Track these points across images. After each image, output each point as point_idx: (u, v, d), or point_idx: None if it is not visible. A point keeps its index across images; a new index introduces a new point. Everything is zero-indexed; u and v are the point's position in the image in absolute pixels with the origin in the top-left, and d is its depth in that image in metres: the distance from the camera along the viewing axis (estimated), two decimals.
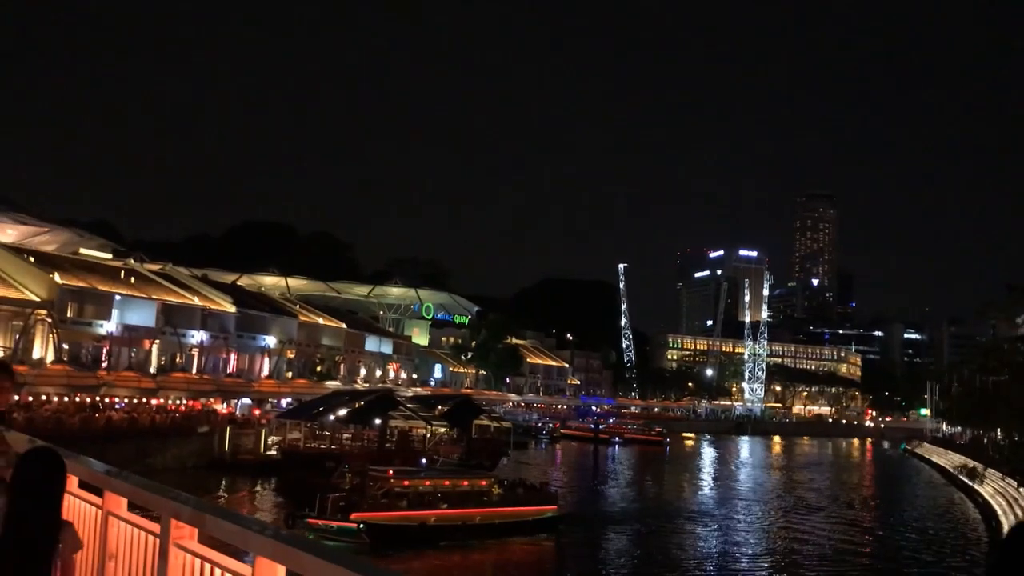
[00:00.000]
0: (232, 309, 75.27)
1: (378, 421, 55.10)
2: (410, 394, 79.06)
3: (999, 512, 49.17)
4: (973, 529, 50.85)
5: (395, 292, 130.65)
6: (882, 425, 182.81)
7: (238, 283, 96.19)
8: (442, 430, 60.27)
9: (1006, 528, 43.01)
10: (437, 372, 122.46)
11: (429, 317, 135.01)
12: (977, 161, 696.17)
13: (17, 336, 57.41)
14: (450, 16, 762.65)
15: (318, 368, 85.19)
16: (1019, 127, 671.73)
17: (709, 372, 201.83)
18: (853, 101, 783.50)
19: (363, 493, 35.87)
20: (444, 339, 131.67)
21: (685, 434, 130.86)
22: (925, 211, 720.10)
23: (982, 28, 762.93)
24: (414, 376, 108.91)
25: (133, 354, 65.49)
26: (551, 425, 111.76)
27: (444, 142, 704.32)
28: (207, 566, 3.93)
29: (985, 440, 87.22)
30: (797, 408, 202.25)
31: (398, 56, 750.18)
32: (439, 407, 64.01)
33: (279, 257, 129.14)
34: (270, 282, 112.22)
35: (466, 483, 39.67)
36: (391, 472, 37.92)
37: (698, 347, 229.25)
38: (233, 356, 74.10)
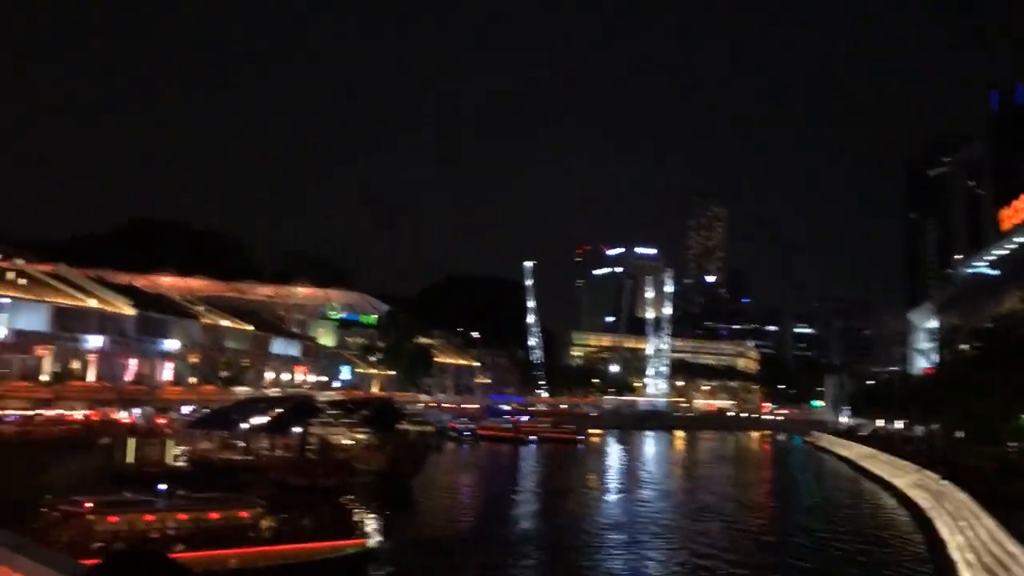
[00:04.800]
0: (131, 312, 70.86)
1: (297, 429, 52.43)
2: (324, 398, 76.17)
3: (924, 505, 50.07)
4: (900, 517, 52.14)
5: (302, 292, 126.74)
6: (780, 418, 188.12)
7: (134, 284, 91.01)
8: (363, 436, 57.92)
9: (937, 520, 43.72)
10: (345, 374, 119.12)
11: (336, 317, 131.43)
12: (855, 159, 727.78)
13: None
14: None
15: (223, 373, 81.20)
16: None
17: (614, 368, 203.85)
18: (743, 102, 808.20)
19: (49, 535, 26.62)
20: (350, 339, 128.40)
21: (592, 430, 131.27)
22: (808, 209, 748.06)
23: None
24: (323, 379, 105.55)
25: (24, 362, 60.69)
26: (472, 426, 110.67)
27: (336, 133, 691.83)
28: None
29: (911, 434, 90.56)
30: (698, 402, 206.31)
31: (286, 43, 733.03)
32: (359, 411, 61.56)
33: (174, 257, 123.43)
34: (168, 283, 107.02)
35: (216, 515, 30.61)
36: (89, 504, 28.73)
37: (602, 343, 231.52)
38: (133, 362, 69.74)
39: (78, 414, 56.15)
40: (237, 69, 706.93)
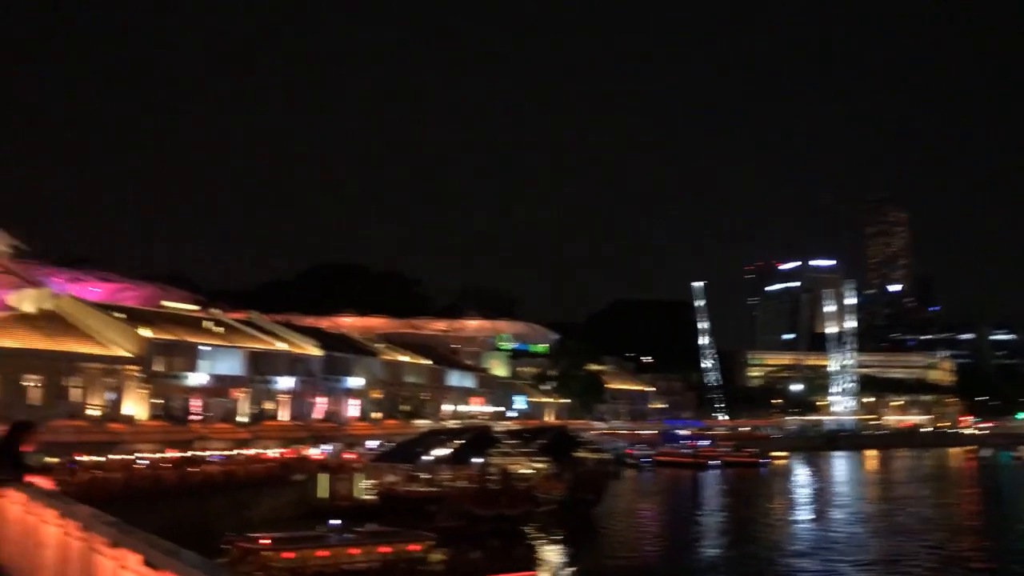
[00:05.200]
0: (318, 353, 74.51)
1: (478, 460, 53.15)
2: (501, 428, 77.10)
3: None
4: None
5: (472, 325, 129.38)
6: (983, 432, 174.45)
7: (319, 326, 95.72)
8: (541, 465, 58.02)
9: None
10: (519, 403, 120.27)
11: (506, 348, 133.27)
12: None
13: (111, 394, 57.13)
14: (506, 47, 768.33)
15: (404, 407, 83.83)
16: None
17: (796, 387, 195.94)
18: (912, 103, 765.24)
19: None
20: (522, 369, 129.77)
21: (776, 453, 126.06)
22: (998, 209, 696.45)
23: None
24: (498, 409, 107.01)
25: (224, 405, 64.90)
26: (650, 453, 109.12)
27: (494, 171, 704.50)
28: None
29: None
30: (889, 419, 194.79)
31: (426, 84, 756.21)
32: (536, 440, 61.82)
33: (353, 297, 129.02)
34: (349, 323, 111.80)
35: (388, 549, 30.99)
36: (267, 540, 29.77)
37: (781, 362, 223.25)
38: (322, 400, 73.22)
39: (274, 452, 59.25)
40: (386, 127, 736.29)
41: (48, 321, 59.53)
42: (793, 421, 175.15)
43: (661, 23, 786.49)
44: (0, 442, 8.80)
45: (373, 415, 79.63)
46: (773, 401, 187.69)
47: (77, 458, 44.98)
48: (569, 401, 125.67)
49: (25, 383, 53.48)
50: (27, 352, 54.02)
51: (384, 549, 31.05)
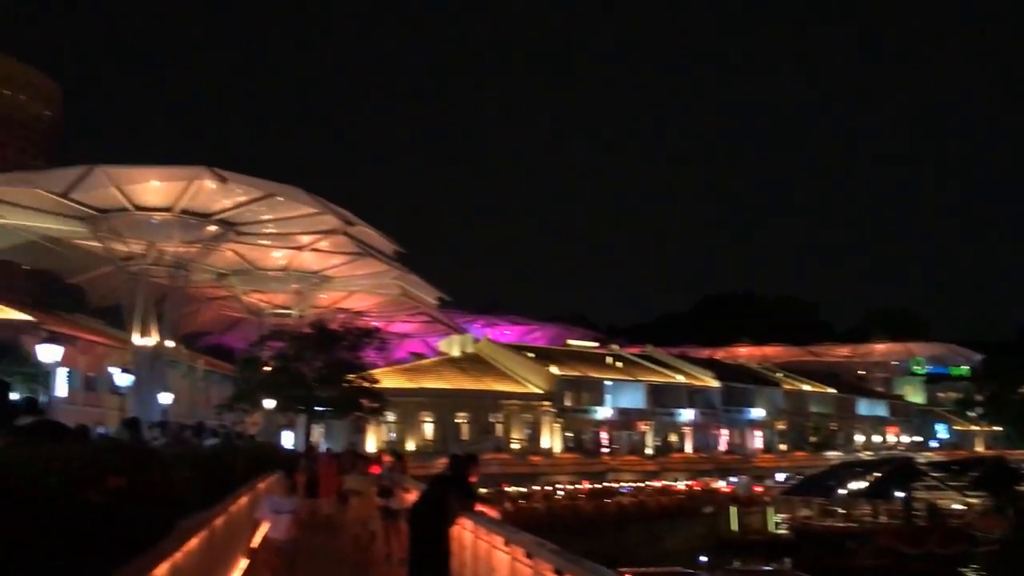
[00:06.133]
0: (716, 384, 74.24)
1: (900, 494, 49.04)
2: (924, 460, 70.61)
3: None
4: None
5: (880, 348, 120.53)
6: None
7: (714, 357, 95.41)
8: (976, 501, 52.00)
9: None
10: (941, 432, 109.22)
11: (921, 372, 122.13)
12: None
13: (528, 428, 61.77)
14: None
15: (812, 438, 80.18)
16: None
17: None
18: None
19: None
20: (942, 395, 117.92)
21: None
22: None
23: None
24: (916, 439, 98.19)
25: (630, 437, 67.06)
26: None
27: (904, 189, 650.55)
28: None
29: None
30: None
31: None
32: (967, 473, 55.60)
33: (747, 326, 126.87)
34: (744, 353, 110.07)
35: None
36: None
37: None
38: (723, 432, 72.67)
39: (681, 484, 59.79)
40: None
41: (472, 363, 66.18)
42: None
43: None
44: (452, 474, 9.79)
45: (779, 447, 77.26)
46: None
47: (504, 489, 49.04)
48: (1002, 429, 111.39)
49: (456, 420, 59.80)
50: (457, 392, 60.44)
51: None
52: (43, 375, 30.57)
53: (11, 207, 41.55)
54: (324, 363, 44.29)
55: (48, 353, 25.06)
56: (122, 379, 36.99)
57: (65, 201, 40.31)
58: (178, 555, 5.09)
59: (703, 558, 34.26)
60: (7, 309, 45.98)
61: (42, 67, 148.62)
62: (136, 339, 44.22)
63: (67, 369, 39.85)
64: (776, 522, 55.09)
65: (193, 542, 5.91)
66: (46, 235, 45.36)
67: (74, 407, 38.59)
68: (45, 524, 2.90)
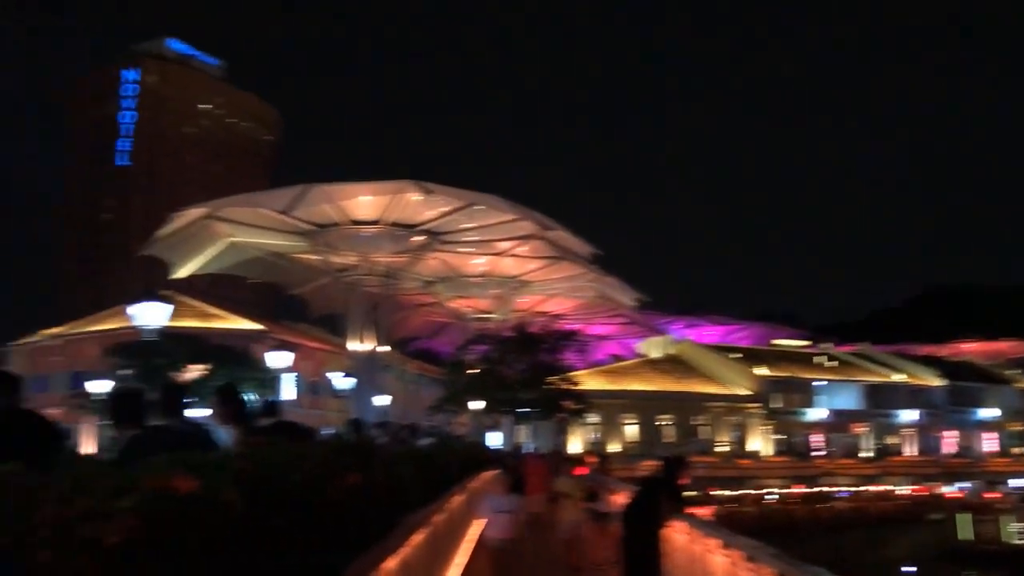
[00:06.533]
0: (939, 383, 69.23)
1: None
2: None
3: None
4: None
5: None
6: None
7: (936, 355, 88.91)
8: None
9: None
10: None
11: None
12: None
13: (734, 430, 60.16)
14: None
15: None
16: None
17: None
18: None
19: None
20: None
21: None
22: None
23: None
24: None
25: (844, 440, 63.86)
26: None
27: None
28: None
29: None
30: None
31: None
32: None
33: (972, 321, 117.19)
34: (971, 349, 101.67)
35: None
36: None
37: None
38: (950, 434, 67.61)
39: (903, 489, 56.28)
40: None
41: (672, 365, 65.24)
42: None
43: None
44: (662, 477, 9.67)
45: (1014, 450, 70.93)
46: None
47: (711, 493, 48.00)
48: None
49: (658, 422, 59.12)
50: (659, 394, 59.79)
51: None
52: (271, 380, 32.89)
53: (239, 226, 45.16)
54: (526, 366, 45.06)
55: (278, 359, 27.03)
56: (343, 383, 39.25)
57: (286, 218, 43.29)
58: (406, 550, 5.33)
59: (909, 568, 31.60)
60: (241, 319, 50.06)
61: (259, 94, 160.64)
62: (353, 345, 46.78)
63: (294, 374, 42.73)
64: (1014, 531, 50.76)
65: (418, 538, 6.17)
66: (270, 250, 48.89)
67: (300, 410, 41.31)
68: (295, 519, 3.11)
